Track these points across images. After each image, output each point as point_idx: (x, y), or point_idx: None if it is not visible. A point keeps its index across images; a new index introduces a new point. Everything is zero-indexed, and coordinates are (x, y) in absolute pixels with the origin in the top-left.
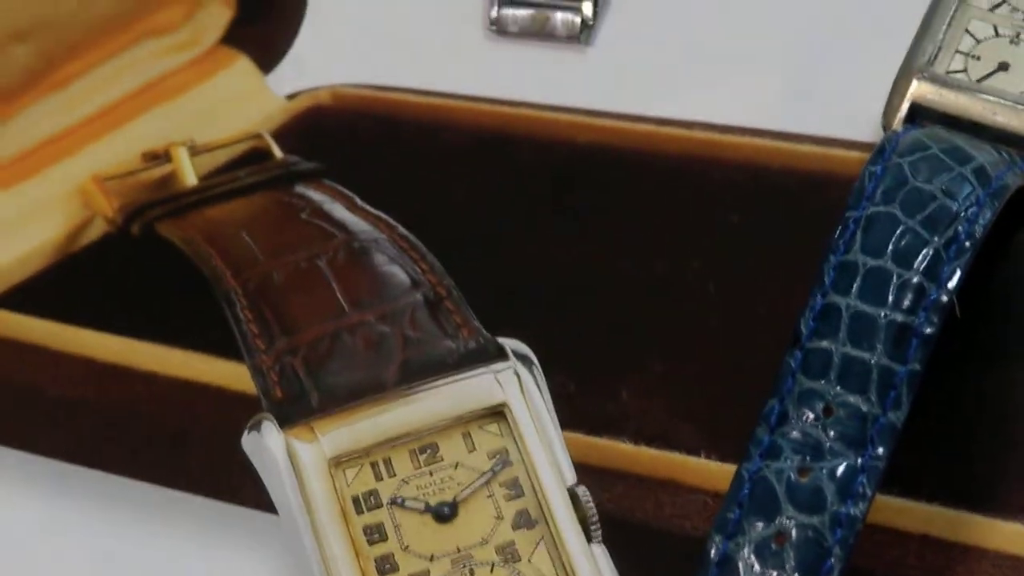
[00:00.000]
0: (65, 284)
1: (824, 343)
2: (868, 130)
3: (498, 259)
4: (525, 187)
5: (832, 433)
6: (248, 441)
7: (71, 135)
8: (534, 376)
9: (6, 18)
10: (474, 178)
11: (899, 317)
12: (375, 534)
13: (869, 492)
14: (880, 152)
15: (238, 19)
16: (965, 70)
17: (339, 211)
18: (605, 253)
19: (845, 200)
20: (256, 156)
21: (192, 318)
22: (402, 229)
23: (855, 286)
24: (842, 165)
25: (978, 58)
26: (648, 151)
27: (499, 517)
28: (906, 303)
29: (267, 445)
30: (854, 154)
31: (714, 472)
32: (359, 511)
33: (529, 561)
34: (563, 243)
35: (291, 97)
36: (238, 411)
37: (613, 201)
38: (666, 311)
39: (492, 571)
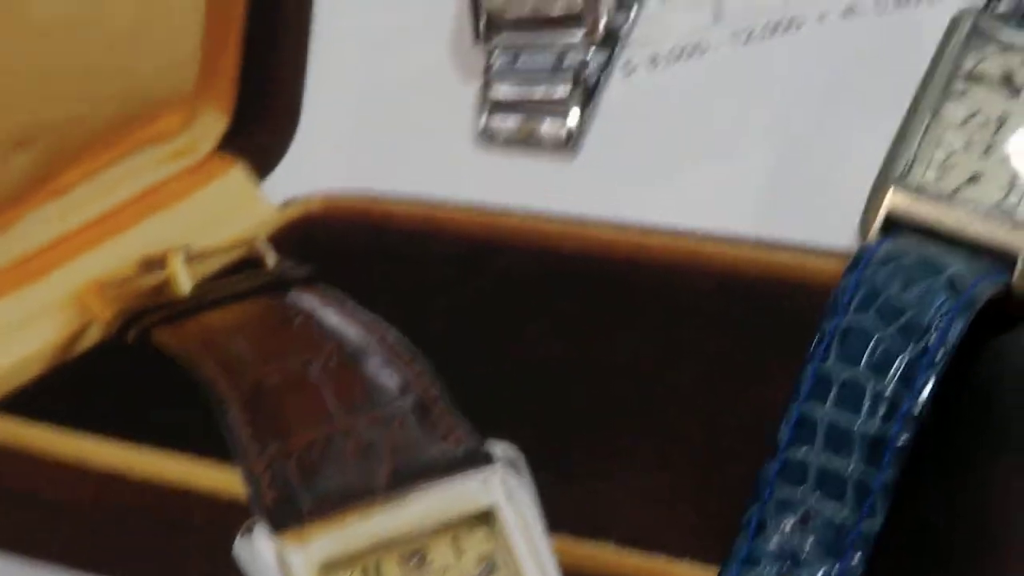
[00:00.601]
0: (62, 390)
1: (801, 452)
2: (845, 238)
3: (487, 364)
4: (513, 292)
5: (810, 541)
6: (240, 546)
7: (69, 242)
8: (522, 480)
9: (9, 124)
10: (463, 283)
11: (874, 427)
12: None
13: None
14: (855, 263)
15: (233, 128)
16: (939, 181)
17: (331, 316)
18: (591, 358)
19: (823, 307)
20: (250, 263)
21: (187, 424)
22: (393, 334)
23: (831, 396)
24: (820, 273)
25: (952, 169)
26: (633, 258)
27: None
28: (881, 413)
29: (258, 549)
30: (832, 261)
31: None
32: None
33: None
34: (550, 348)
35: (285, 204)
36: (232, 516)
37: (599, 307)
38: (650, 416)
39: None
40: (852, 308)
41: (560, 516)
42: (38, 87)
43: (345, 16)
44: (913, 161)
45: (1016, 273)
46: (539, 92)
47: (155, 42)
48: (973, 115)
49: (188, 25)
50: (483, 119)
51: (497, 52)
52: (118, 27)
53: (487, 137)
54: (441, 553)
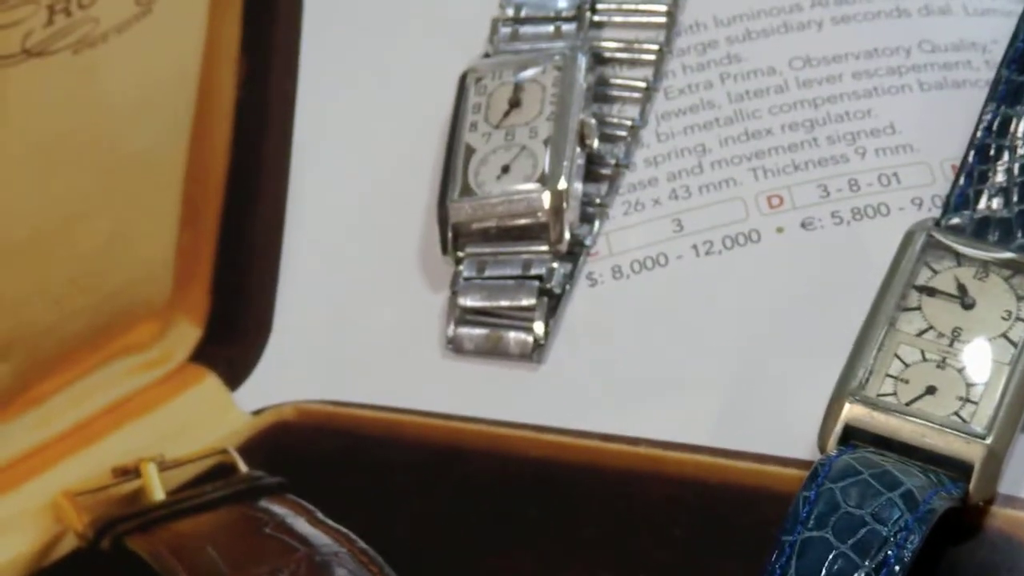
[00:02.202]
0: None
1: None
2: (803, 448)
3: (454, 570)
4: (479, 500)
5: None
6: None
7: (45, 451)
8: None
9: None
10: (431, 491)
11: None
12: None
13: None
14: (813, 477)
15: (206, 338)
16: (895, 393)
17: (301, 525)
18: (554, 564)
19: (782, 515)
20: (222, 471)
21: None
22: (361, 543)
23: None
24: (779, 482)
25: (907, 382)
26: (595, 466)
27: None
28: None
29: None
30: (790, 471)
31: None
32: None
33: None
34: (515, 554)
35: (257, 413)
36: None
37: (562, 513)
38: None
39: None
40: (810, 523)
41: None
42: (14, 300)
43: (316, 229)
44: (870, 374)
45: (972, 484)
46: (505, 302)
47: (129, 256)
48: (927, 328)
49: (162, 239)
50: (451, 328)
51: (464, 263)
52: (93, 243)
53: (455, 346)
54: None
